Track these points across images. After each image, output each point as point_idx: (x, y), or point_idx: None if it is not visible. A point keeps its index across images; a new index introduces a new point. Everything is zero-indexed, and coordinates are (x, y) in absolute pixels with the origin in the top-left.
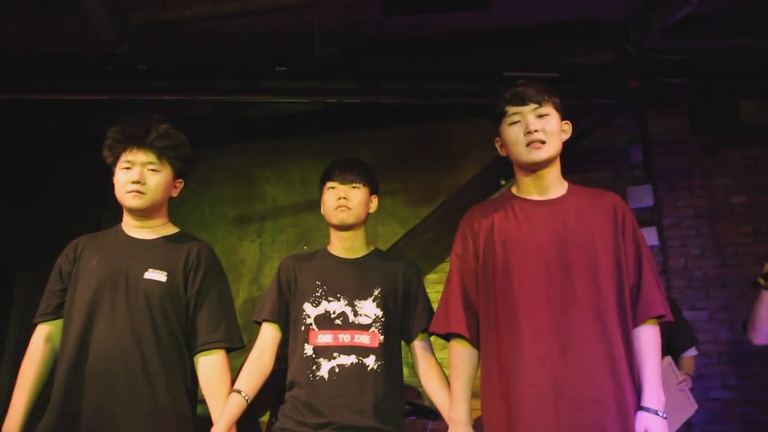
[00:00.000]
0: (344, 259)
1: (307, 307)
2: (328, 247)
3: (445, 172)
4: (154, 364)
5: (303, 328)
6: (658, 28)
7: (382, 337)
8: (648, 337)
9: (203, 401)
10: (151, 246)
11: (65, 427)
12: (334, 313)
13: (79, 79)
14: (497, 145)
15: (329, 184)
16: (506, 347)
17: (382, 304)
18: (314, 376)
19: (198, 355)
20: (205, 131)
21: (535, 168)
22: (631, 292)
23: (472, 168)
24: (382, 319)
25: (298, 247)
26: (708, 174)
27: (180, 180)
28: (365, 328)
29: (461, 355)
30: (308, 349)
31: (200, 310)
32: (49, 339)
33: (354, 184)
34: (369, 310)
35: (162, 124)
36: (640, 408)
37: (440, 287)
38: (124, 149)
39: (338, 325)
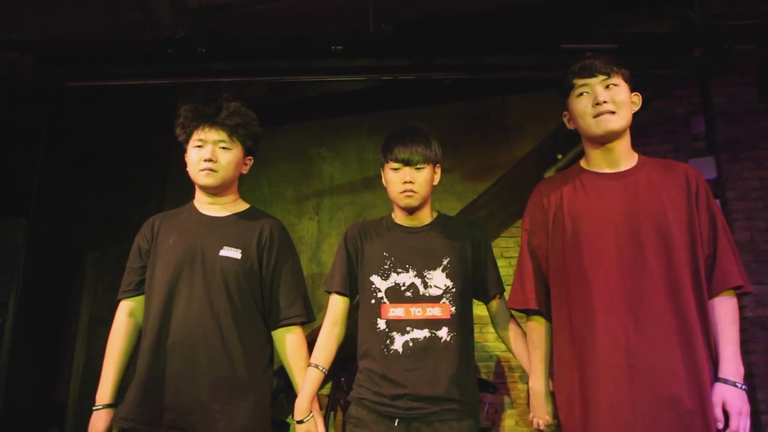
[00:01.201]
0: (410, 228)
1: (376, 280)
2: (393, 216)
3: (502, 147)
4: (231, 337)
5: (374, 301)
6: None
7: (453, 308)
8: (725, 309)
9: (276, 374)
10: (224, 223)
11: (150, 396)
12: (404, 285)
13: (141, 65)
14: (565, 119)
15: (392, 164)
16: (578, 320)
17: (452, 273)
18: (388, 350)
19: (277, 330)
20: (261, 111)
21: (604, 140)
22: (707, 263)
23: (528, 143)
24: (453, 290)
25: None
26: None
27: (250, 157)
28: (436, 300)
29: (538, 330)
30: (381, 324)
31: (277, 286)
32: (132, 314)
33: (418, 165)
34: (439, 280)
35: (233, 102)
36: (717, 379)
37: (498, 263)
38: (196, 127)
39: (409, 297)
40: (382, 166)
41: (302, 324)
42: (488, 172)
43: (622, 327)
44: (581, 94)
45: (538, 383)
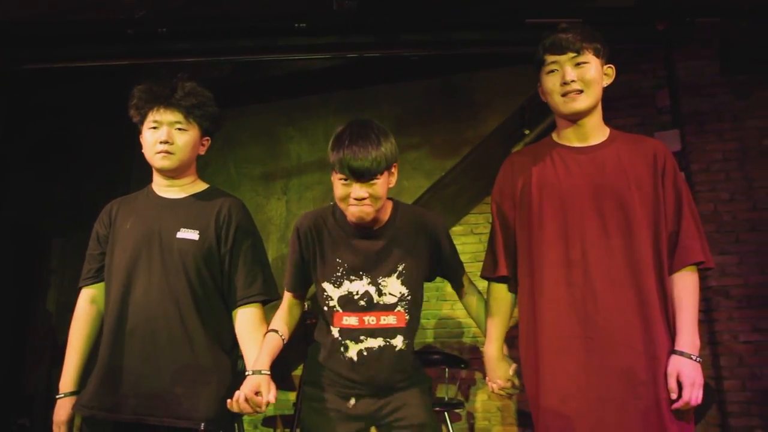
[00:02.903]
0: (364, 232)
1: (328, 288)
2: (347, 216)
3: (469, 123)
4: (192, 320)
5: (326, 308)
6: None
7: (408, 316)
8: (684, 283)
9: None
10: (181, 205)
11: (111, 382)
12: (357, 293)
13: (100, 46)
14: (540, 92)
15: (340, 175)
16: (539, 291)
17: (407, 280)
18: (343, 356)
19: (236, 309)
20: (226, 92)
21: (572, 118)
22: (670, 239)
23: (495, 118)
24: (408, 297)
25: (324, 204)
26: (739, 116)
27: (207, 138)
28: (391, 308)
29: (497, 297)
30: (334, 331)
31: (236, 265)
32: (93, 301)
33: (372, 181)
34: (394, 288)
35: (188, 83)
36: (672, 352)
37: (465, 239)
38: (150, 108)
39: (363, 306)
40: (331, 169)
41: (263, 302)
42: (456, 148)
43: (581, 299)
44: (551, 71)
45: (490, 347)
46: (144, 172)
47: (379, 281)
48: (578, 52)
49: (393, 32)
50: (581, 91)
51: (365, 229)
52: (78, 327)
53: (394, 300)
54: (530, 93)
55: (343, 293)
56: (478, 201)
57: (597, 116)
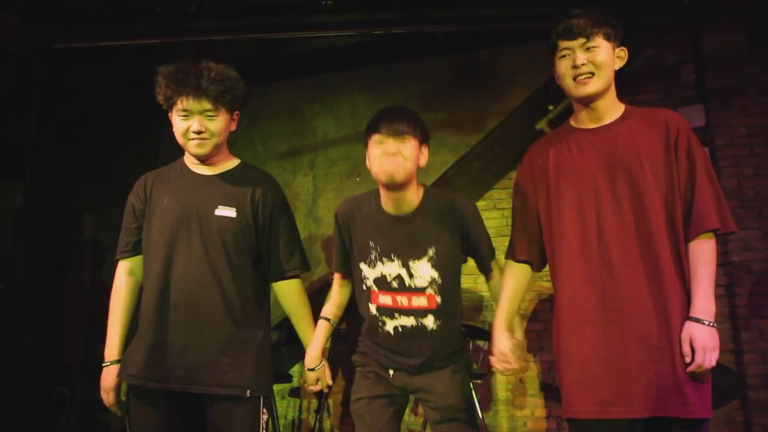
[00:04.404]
0: (397, 216)
1: (364, 268)
2: (381, 201)
3: (493, 99)
4: (232, 294)
5: (365, 288)
6: None
7: (439, 298)
8: (699, 251)
9: (278, 328)
10: (217, 182)
11: (158, 354)
12: (390, 275)
13: (128, 24)
14: (555, 75)
15: (376, 137)
16: (560, 268)
17: (438, 264)
18: (382, 330)
19: (278, 282)
20: (252, 69)
21: (584, 101)
22: (686, 208)
23: (519, 94)
24: (438, 281)
25: (350, 179)
26: (765, 91)
27: (236, 112)
28: (421, 290)
29: (510, 273)
30: (372, 308)
31: (276, 241)
32: (131, 273)
33: (404, 136)
34: (424, 271)
35: (213, 67)
36: (687, 318)
37: (489, 214)
38: (178, 97)
39: (395, 288)
40: (366, 145)
41: (300, 275)
42: (480, 124)
43: (598, 272)
44: (563, 56)
45: (497, 320)
46: (172, 146)
47: (410, 264)
48: (588, 37)
49: (418, 9)
50: (592, 74)
51: (399, 216)
52: (119, 298)
53: (424, 283)
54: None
55: (377, 275)
56: (501, 176)
57: (610, 97)
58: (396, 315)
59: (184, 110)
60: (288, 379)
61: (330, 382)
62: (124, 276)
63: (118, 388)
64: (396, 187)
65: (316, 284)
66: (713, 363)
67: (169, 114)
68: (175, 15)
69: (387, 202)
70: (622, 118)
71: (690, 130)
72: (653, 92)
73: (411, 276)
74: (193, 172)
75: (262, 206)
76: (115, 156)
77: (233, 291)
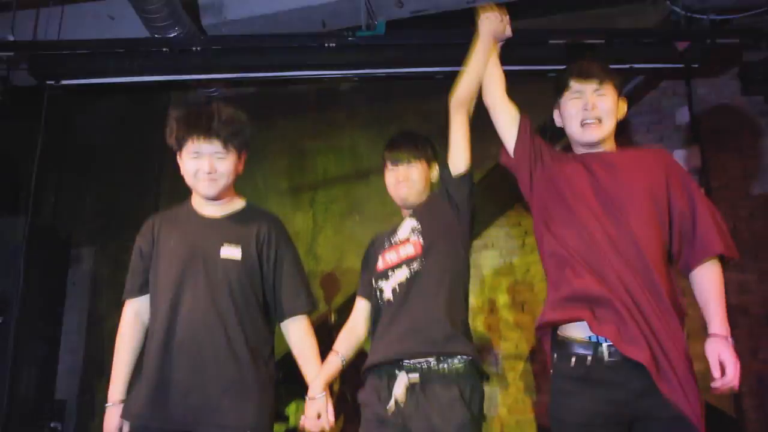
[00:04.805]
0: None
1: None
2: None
3: (494, 139)
4: (236, 336)
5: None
6: None
7: (423, 241)
8: (708, 275)
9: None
10: (223, 224)
11: (161, 395)
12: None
13: (136, 61)
14: (555, 115)
15: (387, 165)
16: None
17: (417, 217)
18: (382, 301)
19: (285, 321)
20: (256, 106)
21: (587, 148)
22: (686, 238)
23: None
24: (419, 228)
25: (350, 218)
26: (758, 134)
27: (244, 152)
28: (405, 240)
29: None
30: (374, 282)
31: (280, 280)
32: (138, 314)
33: (410, 162)
34: (406, 227)
35: (224, 110)
36: (711, 335)
37: (485, 252)
38: (189, 138)
39: (387, 247)
40: (384, 173)
41: (308, 313)
42: (481, 161)
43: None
44: (575, 97)
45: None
46: (174, 185)
47: (397, 232)
48: (601, 83)
49: (420, 51)
50: (600, 121)
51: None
52: (125, 339)
53: (407, 234)
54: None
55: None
56: (499, 215)
57: (609, 145)
58: (390, 274)
59: (196, 152)
60: (284, 419)
61: (332, 420)
62: (131, 317)
63: (120, 429)
64: (411, 206)
65: (315, 323)
66: (738, 380)
67: (178, 155)
68: (181, 54)
69: (404, 213)
70: (618, 150)
71: (680, 165)
72: (649, 133)
73: (396, 234)
74: (200, 214)
75: (267, 246)
76: (117, 192)
77: (237, 332)
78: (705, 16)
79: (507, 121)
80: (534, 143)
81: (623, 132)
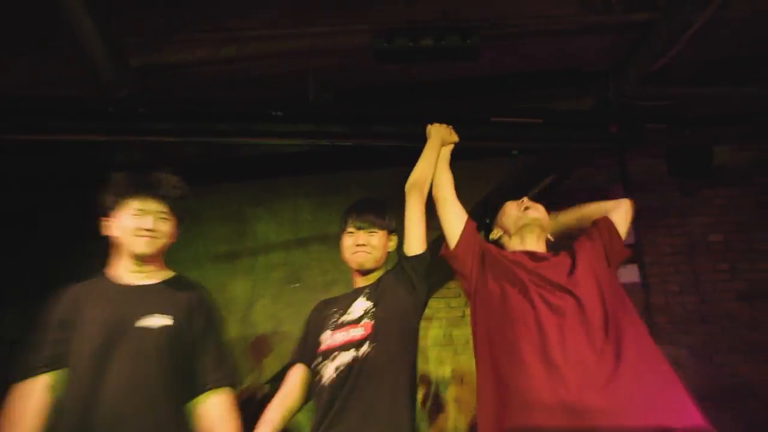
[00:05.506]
0: (356, 289)
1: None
2: (351, 264)
3: (435, 212)
4: (160, 407)
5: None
6: (636, 77)
7: (374, 324)
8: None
9: None
10: (150, 292)
11: None
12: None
13: (80, 121)
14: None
15: (348, 229)
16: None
17: (372, 298)
18: (320, 384)
19: (206, 394)
20: (198, 170)
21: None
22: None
23: None
24: (373, 310)
25: (289, 285)
26: (685, 213)
27: (182, 222)
28: (356, 322)
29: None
30: (315, 363)
31: (205, 350)
32: (51, 389)
33: (371, 230)
34: (358, 307)
35: (172, 176)
36: None
37: (427, 324)
38: (134, 196)
39: (334, 327)
40: (340, 236)
41: (231, 386)
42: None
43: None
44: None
45: None
46: (102, 250)
47: (350, 307)
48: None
49: (365, 124)
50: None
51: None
52: (35, 419)
53: (360, 313)
54: (493, 185)
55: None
56: (439, 286)
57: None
58: (335, 354)
59: (140, 209)
60: None
61: None
62: (44, 393)
63: None
64: (366, 272)
65: (245, 394)
66: None
67: (111, 215)
68: (126, 115)
69: (357, 280)
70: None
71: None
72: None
73: (347, 314)
74: (124, 283)
75: (197, 316)
76: (46, 254)
77: (162, 404)
78: (635, 102)
79: (453, 219)
80: (476, 249)
81: (562, 207)
